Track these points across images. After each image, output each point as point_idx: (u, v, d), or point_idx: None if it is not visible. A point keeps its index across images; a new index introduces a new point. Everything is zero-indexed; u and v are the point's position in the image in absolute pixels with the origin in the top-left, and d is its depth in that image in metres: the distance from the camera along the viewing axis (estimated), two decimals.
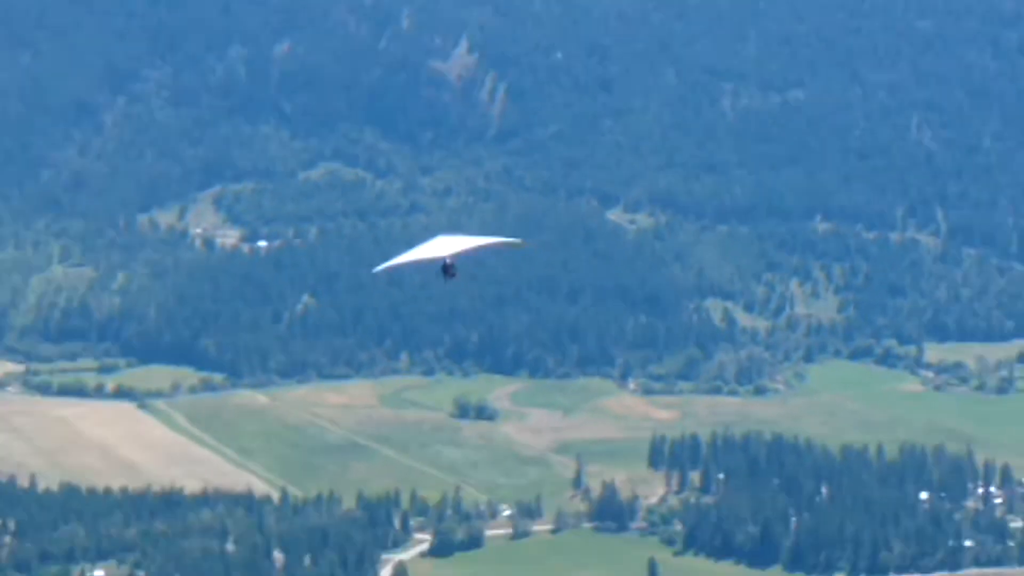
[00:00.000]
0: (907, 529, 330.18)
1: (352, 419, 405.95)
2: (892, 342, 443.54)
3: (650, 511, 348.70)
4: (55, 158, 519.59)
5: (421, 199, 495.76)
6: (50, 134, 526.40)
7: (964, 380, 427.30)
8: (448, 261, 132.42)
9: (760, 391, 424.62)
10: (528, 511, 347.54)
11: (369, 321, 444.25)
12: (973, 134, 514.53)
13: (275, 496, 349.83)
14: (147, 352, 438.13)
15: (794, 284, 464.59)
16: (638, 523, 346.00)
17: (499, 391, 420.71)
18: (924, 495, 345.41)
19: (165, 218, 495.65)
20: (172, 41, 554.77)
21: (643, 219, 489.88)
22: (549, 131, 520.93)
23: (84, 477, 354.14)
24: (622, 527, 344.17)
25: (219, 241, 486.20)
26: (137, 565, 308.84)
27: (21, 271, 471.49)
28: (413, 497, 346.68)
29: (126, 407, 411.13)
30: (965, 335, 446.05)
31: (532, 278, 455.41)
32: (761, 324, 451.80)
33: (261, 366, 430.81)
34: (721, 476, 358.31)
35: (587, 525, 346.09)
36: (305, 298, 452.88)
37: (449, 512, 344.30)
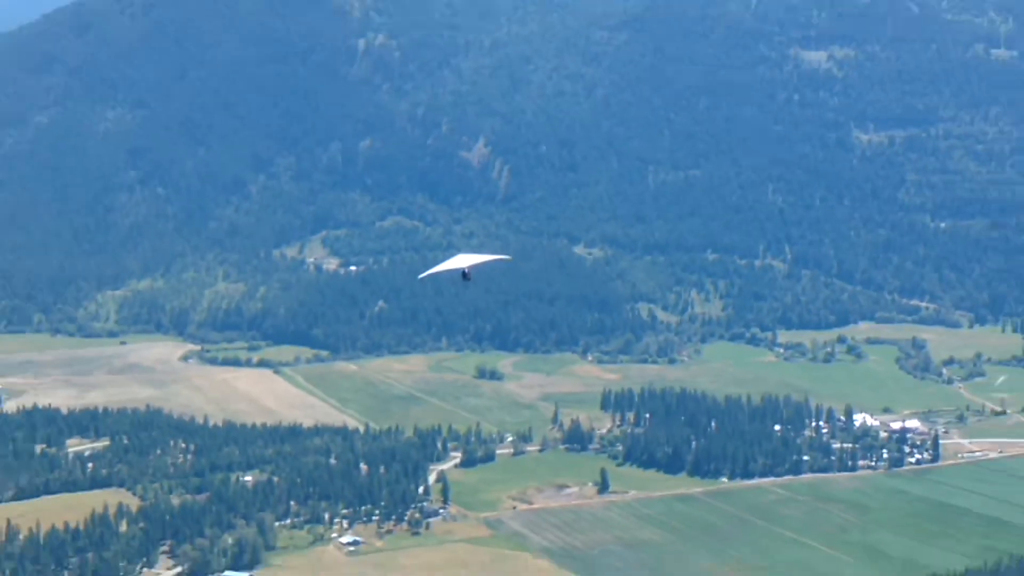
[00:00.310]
0: (766, 449, 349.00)
1: (410, 379, 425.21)
2: (756, 330, 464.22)
3: (602, 438, 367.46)
4: (219, 214, 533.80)
5: (454, 240, 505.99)
6: (216, 199, 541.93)
7: (802, 354, 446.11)
8: (466, 270, 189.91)
9: (672, 361, 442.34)
10: (523, 438, 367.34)
11: (421, 317, 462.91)
12: (807, 198, 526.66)
13: (361, 429, 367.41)
14: (279, 337, 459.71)
15: (694, 293, 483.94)
16: (594, 445, 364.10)
17: (505, 361, 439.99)
18: (777, 427, 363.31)
19: (290, 252, 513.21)
20: (294, 139, 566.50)
21: (597, 252, 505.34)
22: (536, 196, 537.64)
23: (238, 417, 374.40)
24: (584, 448, 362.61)
25: (324, 266, 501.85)
26: (273, 473, 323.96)
27: (198, 286, 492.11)
28: (450, 429, 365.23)
29: (265, 372, 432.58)
30: (803, 325, 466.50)
31: (525, 290, 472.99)
32: (672, 319, 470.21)
33: (352, 345, 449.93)
34: (647, 416, 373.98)
35: (562, 447, 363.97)
36: (380, 302, 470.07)
37: (473, 438, 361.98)
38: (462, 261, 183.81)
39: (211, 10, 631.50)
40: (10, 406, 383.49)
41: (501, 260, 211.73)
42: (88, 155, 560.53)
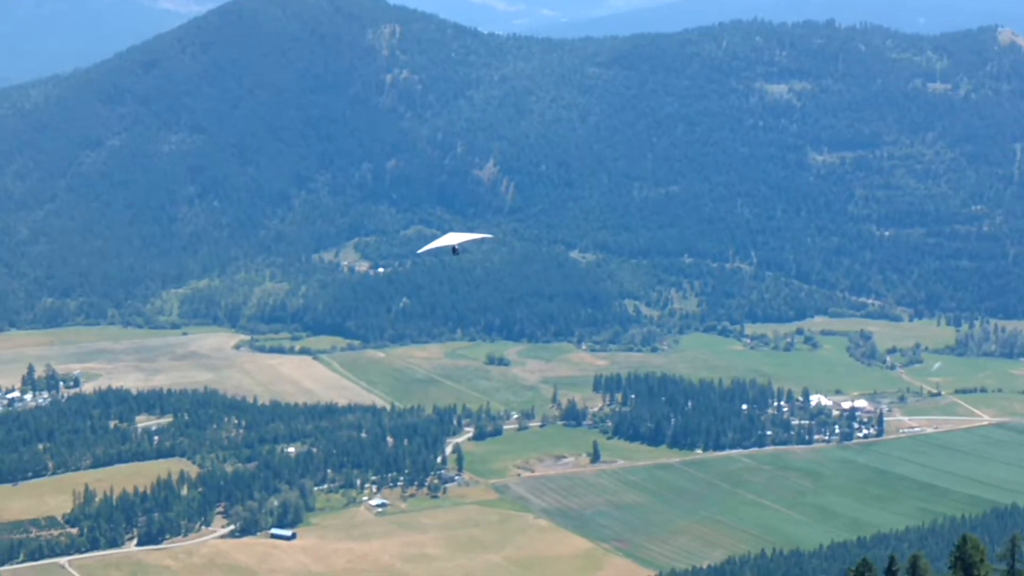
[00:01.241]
0: (735, 425, 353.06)
1: (430, 365, 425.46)
2: (726, 323, 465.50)
3: (594, 415, 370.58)
4: (267, 224, 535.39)
5: (467, 244, 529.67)
6: (264, 210, 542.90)
7: (766, 344, 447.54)
8: (456, 246, 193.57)
9: (654, 350, 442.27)
10: (527, 415, 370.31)
11: (439, 311, 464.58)
12: (770, 210, 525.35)
13: (388, 407, 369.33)
14: (317, 328, 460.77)
15: (673, 291, 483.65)
16: (587, 421, 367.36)
17: (511, 350, 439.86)
18: (744, 406, 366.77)
19: (327, 256, 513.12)
20: (331, 159, 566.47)
21: (589, 256, 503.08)
22: (537, 208, 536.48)
23: (282, 396, 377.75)
24: (579, 424, 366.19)
25: (356, 268, 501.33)
26: (312, 445, 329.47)
27: (249, 285, 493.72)
28: (463, 407, 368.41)
29: (306, 359, 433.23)
30: (767, 319, 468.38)
31: (528, 288, 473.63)
32: (654, 313, 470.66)
33: (380, 336, 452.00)
34: (633, 396, 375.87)
35: (560, 423, 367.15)
36: (404, 299, 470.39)
37: (483, 416, 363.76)
38: (452, 239, 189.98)
39: (261, 49, 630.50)
40: (88, 387, 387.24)
41: (484, 239, 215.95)
42: (154, 173, 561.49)
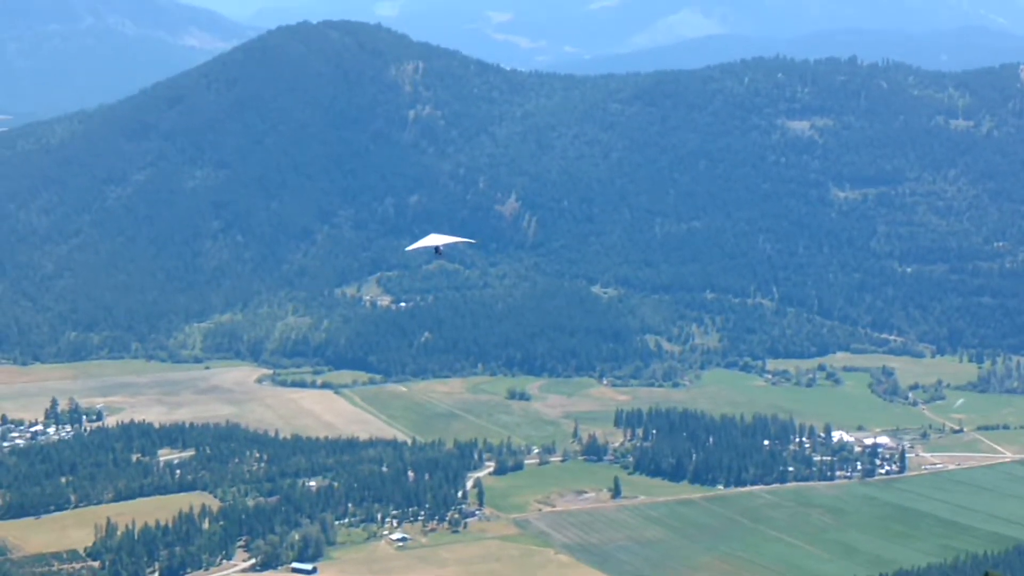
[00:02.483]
0: (756, 460, 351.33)
1: (451, 399, 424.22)
2: (748, 359, 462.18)
3: (615, 451, 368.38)
4: (290, 258, 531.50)
5: (490, 280, 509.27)
6: (287, 245, 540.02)
7: (788, 379, 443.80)
8: (440, 247, 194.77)
9: (675, 385, 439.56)
10: (548, 450, 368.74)
11: (460, 346, 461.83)
12: (792, 246, 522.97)
13: (409, 441, 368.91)
14: (339, 363, 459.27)
15: (694, 327, 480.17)
16: (608, 456, 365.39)
17: (532, 384, 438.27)
18: (766, 442, 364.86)
19: (350, 290, 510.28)
20: (354, 194, 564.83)
21: (611, 291, 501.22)
22: (559, 243, 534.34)
23: (304, 431, 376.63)
24: (600, 459, 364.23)
25: (379, 302, 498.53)
26: (333, 479, 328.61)
27: (271, 319, 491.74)
28: (484, 442, 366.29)
29: (327, 393, 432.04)
30: (789, 355, 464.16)
31: (550, 323, 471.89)
32: (676, 349, 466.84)
33: (401, 370, 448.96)
34: (654, 431, 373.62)
35: (580, 458, 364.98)
36: (426, 334, 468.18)
37: (504, 450, 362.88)
38: (435, 240, 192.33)
39: (284, 85, 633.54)
40: (110, 421, 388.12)
41: (467, 242, 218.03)
42: (178, 208, 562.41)
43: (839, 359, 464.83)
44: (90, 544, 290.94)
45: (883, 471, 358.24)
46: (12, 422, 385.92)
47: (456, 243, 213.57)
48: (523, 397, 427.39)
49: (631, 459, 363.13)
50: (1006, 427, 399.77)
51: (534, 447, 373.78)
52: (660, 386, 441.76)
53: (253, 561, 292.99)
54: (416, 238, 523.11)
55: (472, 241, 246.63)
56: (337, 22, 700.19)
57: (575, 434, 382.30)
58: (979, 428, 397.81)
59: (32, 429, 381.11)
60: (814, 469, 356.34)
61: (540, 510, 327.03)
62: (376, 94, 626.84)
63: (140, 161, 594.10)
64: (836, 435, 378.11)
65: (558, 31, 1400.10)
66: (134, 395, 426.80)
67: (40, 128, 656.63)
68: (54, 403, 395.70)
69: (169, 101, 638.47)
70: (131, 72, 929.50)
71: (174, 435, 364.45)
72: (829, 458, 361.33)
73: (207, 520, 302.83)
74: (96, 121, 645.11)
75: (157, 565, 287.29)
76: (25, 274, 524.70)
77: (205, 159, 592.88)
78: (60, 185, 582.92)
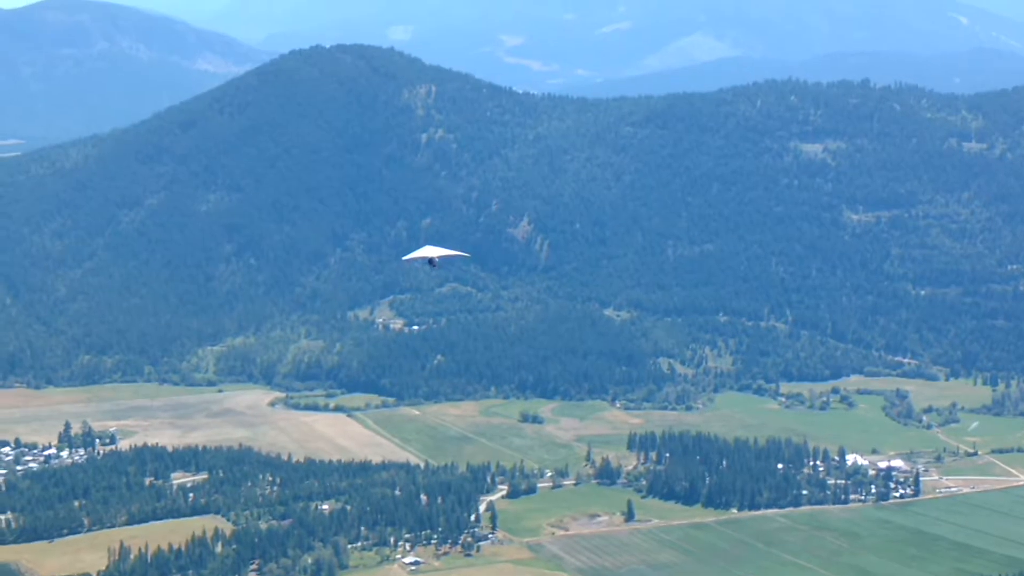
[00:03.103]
0: (770, 484, 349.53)
1: (464, 422, 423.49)
2: (761, 382, 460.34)
3: (628, 474, 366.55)
4: (303, 281, 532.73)
5: (502, 304, 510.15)
6: (300, 268, 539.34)
7: (801, 403, 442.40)
8: (435, 259, 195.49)
9: (689, 408, 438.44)
10: (561, 474, 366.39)
11: (473, 369, 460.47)
12: (805, 268, 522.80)
13: (422, 464, 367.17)
14: (352, 386, 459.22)
15: (707, 350, 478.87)
16: (622, 480, 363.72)
17: (544, 408, 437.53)
18: (780, 465, 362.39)
19: (362, 313, 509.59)
20: (366, 218, 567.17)
21: (624, 314, 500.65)
22: (571, 266, 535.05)
23: (317, 454, 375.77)
24: (613, 483, 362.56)
25: (391, 326, 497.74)
26: (346, 502, 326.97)
27: (284, 342, 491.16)
28: (497, 465, 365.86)
29: (340, 416, 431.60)
30: (803, 378, 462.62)
31: (562, 346, 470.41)
32: (689, 371, 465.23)
33: (414, 393, 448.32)
34: (667, 455, 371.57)
35: (594, 482, 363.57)
36: (438, 357, 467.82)
37: (517, 474, 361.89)
38: (430, 252, 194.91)
39: (297, 109, 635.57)
40: (124, 444, 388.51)
41: (461, 256, 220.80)
42: (191, 231, 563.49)
43: (853, 382, 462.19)
44: (103, 568, 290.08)
45: (897, 494, 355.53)
46: (25, 446, 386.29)
47: (451, 256, 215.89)
48: (536, 420, 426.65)
49: (644, 482, 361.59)
50: (1020, 450, 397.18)
51: (547, 470, 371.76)
52: (673, 409, 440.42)
53: None
54: (431, 263, 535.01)
55: (466, 255, 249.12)
56: (350, 46, 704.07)
57: (588, 457, 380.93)
58: (993, 451, 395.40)
59: (45, 453, 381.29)
60: (828, 492, 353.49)
61: (553, 534, 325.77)
62: (389, 118, 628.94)
63: (153, 185, 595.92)
64: (850, 458, 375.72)
65: (570, 54, 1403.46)
66: (147, 418, 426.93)
67: (54, 152, 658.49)
68: (67, 427, 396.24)
69: (182, 125, 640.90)
70: (144, 96, 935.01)
71: (187, 458, 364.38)
72: (843, 481, 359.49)
73: (220, 544, 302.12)
74: (109, 145, 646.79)
75: None
76: (38, 298, 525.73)
77: (218, 183, 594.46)
78: (73, 209, 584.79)
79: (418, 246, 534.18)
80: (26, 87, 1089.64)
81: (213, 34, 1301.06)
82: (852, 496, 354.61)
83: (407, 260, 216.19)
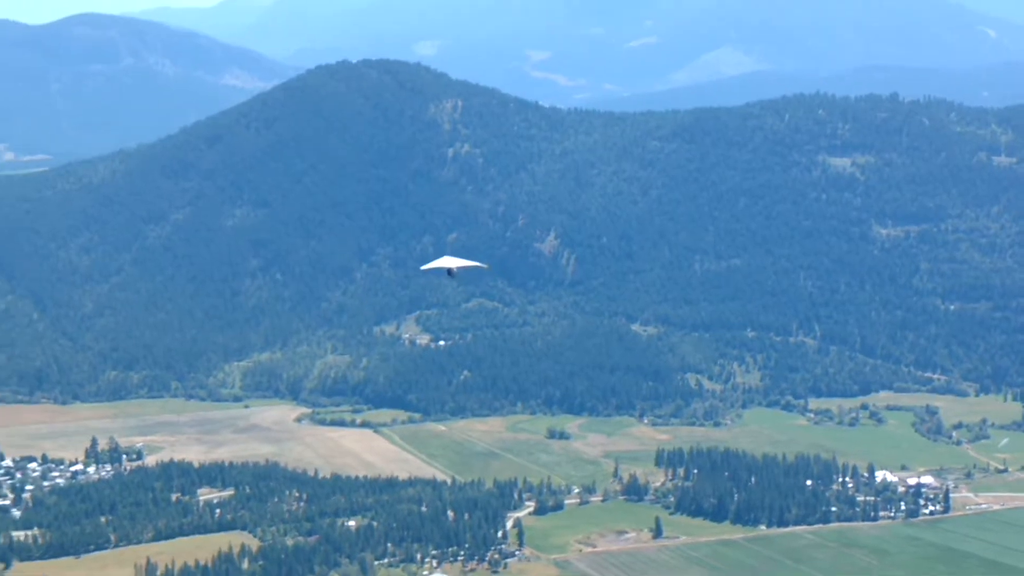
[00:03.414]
0: (799, 501, 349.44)
1: (490, 438, 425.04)
2: (790, 397, 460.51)
3: (656, 490, 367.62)
4: (329, 296, 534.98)
5: (529, 319, 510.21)
6: (326, 283, 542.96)
7: (830, 419, 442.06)
8: (453, 269, 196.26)
9: (717, 424, 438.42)
10: (588, 490, 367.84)
11: (500, 384, 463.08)
12: (834, 283, 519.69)
13: (448, 480, 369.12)
14: (378, 401, 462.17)
15: (735, 365, 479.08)
16: (649, 496, 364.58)
17: (572, 424, 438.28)
18: (808, 482, 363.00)
19: (389, 329, 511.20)
20: (392, 232, 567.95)
21: (651, 329, 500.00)
22: (598, 281, 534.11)
23: (343, 470, 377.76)
24: (640, 499, 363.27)
25: (417, 341, 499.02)
26: (373, 518, 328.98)
27: (310, 358, 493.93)
28: (524, 481, 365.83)
29: (367, 432, 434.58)
30: (831, 394, 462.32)
31: (589, 361, 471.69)
32: (717, 387, 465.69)
33: (440, 409, 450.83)
34: (695, 471, 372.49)
35: (621, 498, 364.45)
36: (465, 372, 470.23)
37: (544, 490, 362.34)
38: (449, 262, 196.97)
39: (324, 124, 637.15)
40: (150, 460, 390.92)
41: (480, 267, 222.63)
42: (218, 247, 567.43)
43: (882, 398, 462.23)
44: None
45: (927, 511, 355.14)
46: (52, 461, 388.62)
47: (469, 267, 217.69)
48: (563, 436, 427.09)
49: (672, 499, 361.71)
50: None
51: (574, 487, 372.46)
52: (701, 425, 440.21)
53: None
54: (457, 278, 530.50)
55: (485, 266, 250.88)
56: (376, 61, 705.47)
57: (616, 473, 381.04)
58: (1023, 468, 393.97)
59: (72, 468, 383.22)
60: (857, 509, 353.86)
61: (581, 550, 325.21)
62: (415, 132, 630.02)
63: (180, 200, 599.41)
64: (879, 475, 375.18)
65: (597, 69, 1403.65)
66: (174, 434, 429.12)
67: (81, 167, 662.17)
68: (94, 442, 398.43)
69: (209, 140, 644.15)
70: (171, 112, 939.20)
71: (214, 474, 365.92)
72: (872, 498, 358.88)
73: (247, 560, 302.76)
74: (136, 160, 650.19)
75: None
76: (65, 313, 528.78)
77: (244, 198, 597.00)
78: (100, 224, 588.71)
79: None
80: (54, 103, 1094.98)
81: (240, 49, 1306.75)
82: (881, 513, 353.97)
83: (425, 269, 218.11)
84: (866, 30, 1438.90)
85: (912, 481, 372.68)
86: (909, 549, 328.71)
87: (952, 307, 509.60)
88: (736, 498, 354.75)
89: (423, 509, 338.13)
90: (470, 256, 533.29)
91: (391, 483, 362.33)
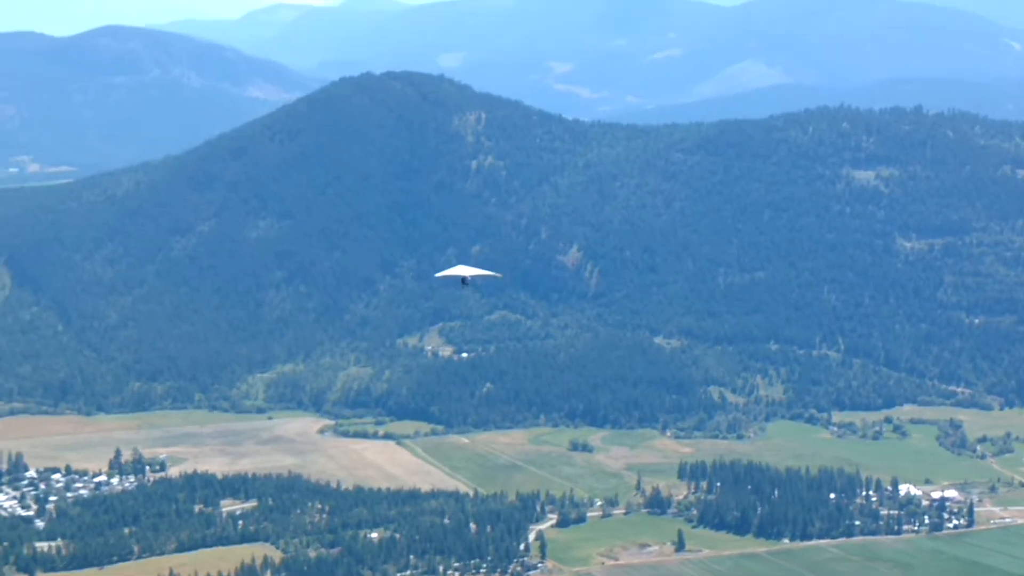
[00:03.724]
0: (822, 514, 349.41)
1: (513, 451, 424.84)
2: (813, 411, 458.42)
3: (679, 503, 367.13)
4: (352, 308, 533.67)
5: (552, 331, 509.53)
6: (349, 295, 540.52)
7: (854, 432, 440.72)
8: (466, 277, 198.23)
9: (740, 437, 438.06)
10: (611, 502, 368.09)
11: (522, 397, 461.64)
12: (858, 296, 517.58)
13: (471, 493, 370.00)
14: (401, 413, 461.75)
15: (758, 378, 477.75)
16: (672, 509, 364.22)
17: (595, 436, 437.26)
18: (832, 495, 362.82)
19: (412, 340, 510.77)
20: (416, 244, 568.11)
21: (674, 342, 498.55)
22: (621, 294, 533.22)
23: (366, 482, 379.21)
24: (663, 512, 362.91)
25: (440, 353, 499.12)
26: (395, 530, 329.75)
27: (333, 369, 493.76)
28: (547, 494, 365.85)
29: (389, 444, 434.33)
30: (855, 407, 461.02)
31: (612, 374, 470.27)
32: (740, 400, 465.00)
33: (463, 421, 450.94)
34: (718, 484, 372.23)
35: (644, 511, 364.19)
36: (487, 384, 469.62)
37: (567, 502, 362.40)
38: (463, 271, 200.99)
39: (347, 136, 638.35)
40: (174, 471, 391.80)
41: (493, 276, 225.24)
42: (242, 258, 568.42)
43: (906, 411, 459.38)
44: None
45: (951, 525, 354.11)
46: (76, 472, 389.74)
47: (483, 276, 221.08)
48: (586, 449, 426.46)
49: (695, 512, 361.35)
50: None
51: (597, 499, 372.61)
52: (724, 438, 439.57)
53: None
54: (478, 289, 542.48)
55: (498, 276, 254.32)
56: (399, 73, 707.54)
57: (638, 486, 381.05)
58: None
59: (96, 479, 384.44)
60: (881, 523, 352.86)
61: (603, 563, 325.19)
62: (438, 144, 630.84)
63: (204, 212, 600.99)
64: (903, 488, 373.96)
65: (620, 81, 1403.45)
66: (197, 445, 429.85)
67: (105, 179, 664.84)
68: (118, 453, 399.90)
69: (233, 152, 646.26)
70: (196, 123, 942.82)
71: (237, 486, 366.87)
72: (896, 512, 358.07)
73: (269, 571, 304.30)
74: (161, 172, 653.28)
75: None
76: (90, 324, 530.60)
77: (268, 210, 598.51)
78: (125, 236, 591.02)
79: None
80: (78, 114, 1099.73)
81: (264, 61, 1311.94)
82: (905, 527, 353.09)
83: (439, 277, 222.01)
84: (890, 43, 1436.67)
85: (936, 495, 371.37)
86: (933, 563, 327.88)
87: (976, 320, 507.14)
88: (759, 511, 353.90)
89: (446, 521, 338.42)
90: (492, 268, 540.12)
91: (414, 495, 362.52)
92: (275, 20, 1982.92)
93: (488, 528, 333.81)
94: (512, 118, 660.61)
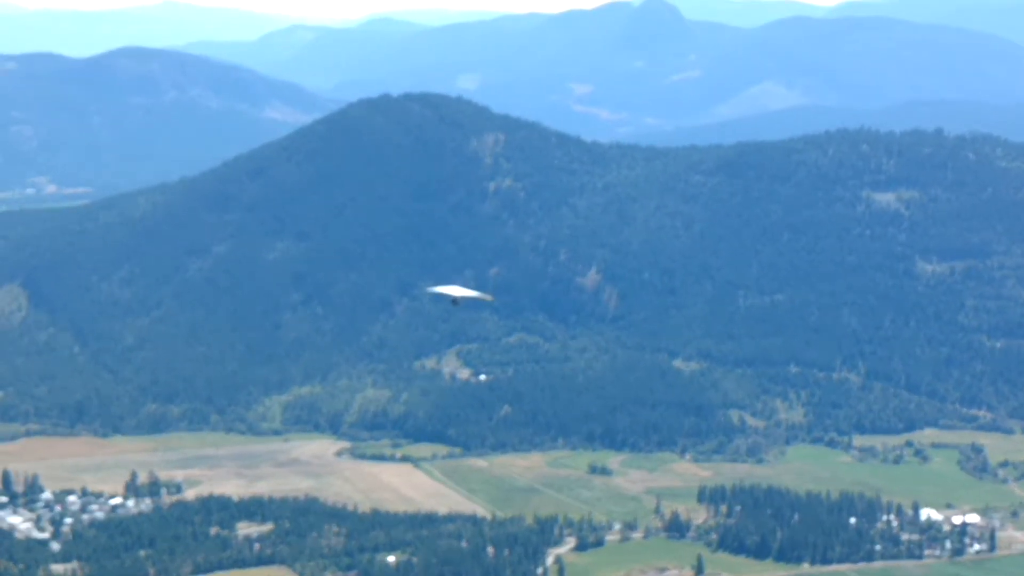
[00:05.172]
0: (843, 538, 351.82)
1: (531, 474, 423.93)
2: (834, 434, 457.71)
3: (698, 527, 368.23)
4: (369, 330, 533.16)
5: (570, 354, 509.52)
6: (367, 317, 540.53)
7: (875, 456, 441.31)
8: (457, 298, 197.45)
9: (759, 461, 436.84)
10: (629, 526, 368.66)
11: (540, 420, 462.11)
12: (878, 319, 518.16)
13: (488, 516, 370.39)
14: (418, 436, 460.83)
15: (778, 401, 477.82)
16: (691, 533, 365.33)
17: (613, 459, 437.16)
18: (852, 520, 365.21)
19: (429, 363, 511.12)
20: (433, 266, 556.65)
21: (693, 365, 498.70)
22: (640, 316, 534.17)
23: (383, 505, 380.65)
24: (682, 536, 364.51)
25: (458, 375, 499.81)
26: (412, 554, 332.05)
27: (350, 392, 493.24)
28: (565, 517, 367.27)
29: (407, 467, 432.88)
30: (876, 430, 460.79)
31: (631, 397, 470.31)
32: (760, 423, 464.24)
33: (481, 444, 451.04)
34: (738, 508, 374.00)
35: (663, 534, 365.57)
36: (505, 407, 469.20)
37: (585, 526, 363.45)
38: (455, 290, 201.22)
39: (364, 157, 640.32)
40: (189, 494, 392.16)
41: (484, 299, 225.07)
42: (259, 280, 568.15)
43: (927, 435, 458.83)
44: None
45: (973, 550, 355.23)
46: (92, 494, 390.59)
47: (474, 298, 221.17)
48: (604, 472, 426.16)
49: (714, 536, 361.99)
50: None
51: (615, 523, 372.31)
52: (744, 462, 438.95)
53: None
54: (496, 311, 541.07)
55: (489, 298, 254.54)
56: (418, 95, 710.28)
57: (657, 510, 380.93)
58: None
59: (112, 502, 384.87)
60: (902, 548, 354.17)
61: None
62: (456, 166, 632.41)
63: (221, 233, 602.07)
64: (924, 513, 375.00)
65: (639, 103, 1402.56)
66: (213, 468, 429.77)
67: (122, 200, 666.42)
68: (134, 476, 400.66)
69: (250, 173, 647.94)
70: (213, 144, 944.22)
71: (253, 508, 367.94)
72: (917, 537, 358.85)
73: None
74: (178, 193, 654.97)
75: None
76: (106, 346, 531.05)
77: (286, 231, 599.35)
78: (141, 257, 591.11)
79: (484, 291, 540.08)
80: (96, 135, 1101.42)
81: (281, 83, 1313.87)
82: (926, 552, 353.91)
83: (431, 292, 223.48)
84: (910, 65, 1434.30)
85: (957, 520, 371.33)
86: None
87: (998, 344, 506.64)
88: (779, 536, 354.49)
89: (463, 545, 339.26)
90: (512, 291, 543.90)
91: (431, 518, 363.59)
92: (292, 42, 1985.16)
93: (506, 552, 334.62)
94: (530, 140, 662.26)
